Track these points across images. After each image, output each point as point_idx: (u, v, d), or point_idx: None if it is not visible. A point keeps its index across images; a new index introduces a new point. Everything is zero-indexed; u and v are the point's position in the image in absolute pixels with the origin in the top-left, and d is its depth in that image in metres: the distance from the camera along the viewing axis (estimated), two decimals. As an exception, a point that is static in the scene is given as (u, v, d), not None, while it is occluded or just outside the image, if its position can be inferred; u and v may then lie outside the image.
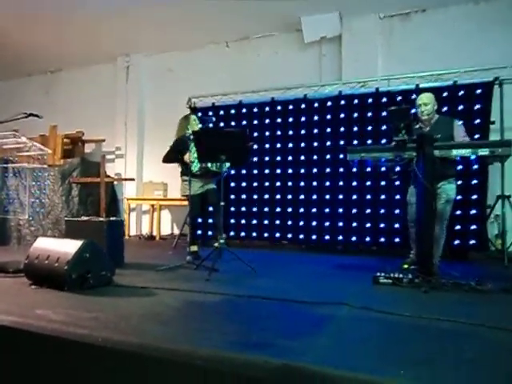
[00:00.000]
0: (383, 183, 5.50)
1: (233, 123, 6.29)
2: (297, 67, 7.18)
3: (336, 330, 2.25)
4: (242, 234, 6.24)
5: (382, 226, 5.49)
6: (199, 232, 6.00)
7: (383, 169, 5.06)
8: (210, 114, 6.43)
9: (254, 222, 6.13)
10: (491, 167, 5.09)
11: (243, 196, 6.24)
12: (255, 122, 6.24)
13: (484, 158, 4.05)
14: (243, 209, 6.23)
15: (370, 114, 5.62)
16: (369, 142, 5.58)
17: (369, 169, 5.55)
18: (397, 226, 5.41)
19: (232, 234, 6.24)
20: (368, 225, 5.55)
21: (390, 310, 2.57)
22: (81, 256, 3.19)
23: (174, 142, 4.84)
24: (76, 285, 3.14)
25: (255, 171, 6.18)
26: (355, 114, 5.69)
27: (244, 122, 6.27)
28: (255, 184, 6.16)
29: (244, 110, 6.33)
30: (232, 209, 6.25)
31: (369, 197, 5.57)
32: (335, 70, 6.98)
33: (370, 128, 5.61)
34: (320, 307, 2.67)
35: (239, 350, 1.82)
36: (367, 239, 5.56)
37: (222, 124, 6.37)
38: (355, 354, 1.86)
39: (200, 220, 5.98)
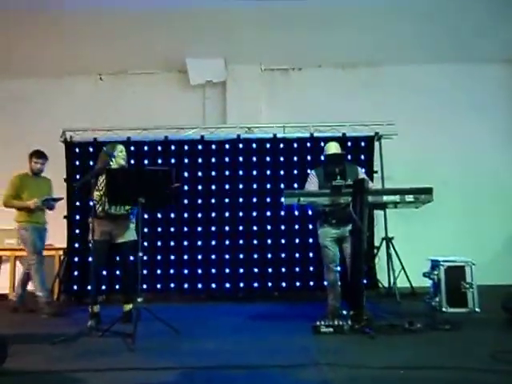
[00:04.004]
0: (283, 227, 5.53)
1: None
2: (179, 108, 6.90)
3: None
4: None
5: (283, 270, 5.47)
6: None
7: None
8: (91, 150, 5.65)
9: (145, 272, 5.44)
10: (375, 212, 5.58)
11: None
12: (146, 161, 5.70)
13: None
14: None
15: (268, 159, 5.68)
16: (268, 186, 5.60)
17: (269, 213, 5.54)
18: (297, 269, 5.45)
19: (117, 287, 5.42)
20: (269, 270, 5.47)
21: (369, 364, 2.45)
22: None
23: (89, 174, 3.94)
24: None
25: (145, 216, 5.55)
26: (254, 158, 5.68)
27: (132, 161, 5.66)
28: (146, 230, 5.52)
29: (132, 148, 5.73)
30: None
31: (269, 241, 5.51)
32: (219, 113, 6.98)
33: (268, 172, 5.64)
34: (300, 371, 2.40)
35: None
36: (269, 284, 5.46)
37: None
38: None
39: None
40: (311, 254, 5.44)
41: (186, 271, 5.51)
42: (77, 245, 5.59)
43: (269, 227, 5.54)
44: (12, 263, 6.21)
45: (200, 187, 5.66)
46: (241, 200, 5.60)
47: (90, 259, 4.71)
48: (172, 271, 5.53)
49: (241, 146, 5.73)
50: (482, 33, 6.00)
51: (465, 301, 4.32)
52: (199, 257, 5.52)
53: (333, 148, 4.12)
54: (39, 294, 4.61)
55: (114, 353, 2.93)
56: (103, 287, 5.30)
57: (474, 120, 6.56)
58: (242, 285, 5.47)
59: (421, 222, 5.70)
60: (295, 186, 5.42)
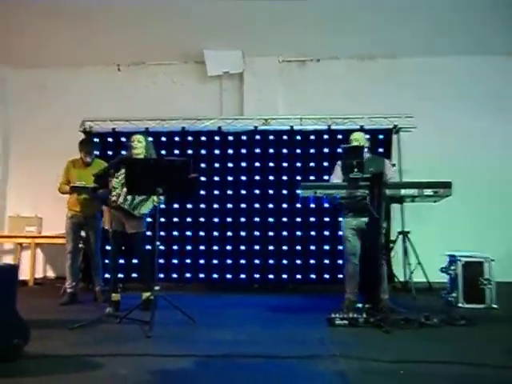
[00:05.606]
0: (299, 219, 5.52)
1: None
2: (196, 99, 6.91)
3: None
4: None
5: (298, 262, 5.47)
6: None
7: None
8: (110, 140, 5.73)
9: (161, 261, 5.51)
10: (392, 206, 5.52)
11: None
12: (163, 151, 5.73)
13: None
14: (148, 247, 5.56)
15: (285, 151, 5.67)
16: (284, 178, 5.60)
17: (285, 205, 5.54)
18: (312, 262, 5.45)
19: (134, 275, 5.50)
20: (285, 262, 5.48)
21: (382, 358, 2.45)
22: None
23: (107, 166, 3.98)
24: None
25: (162, 206, 5.61)
26: (271, 150, 5.68)
27: (150, 152, 5.70)
28: (162, 220, 5.58)
29: (150, 138, 5.76)
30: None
31: (285, 233, 5.52)
32: (236, 104, 6.94)
33: (285, 164, 5.63)
34: (315, 362, 2.40)
35: None
36: (284, 276, 5.47)
37: (123, 152, 5.68)
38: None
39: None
40: (327, 247, 5.43)
41: (201, 261, 5.57)
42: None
43: (284, 219, 5.55)
44: (32, 250, 6.37)
45: (217, 178, 5.69)
46: (257, 191, 5.61)
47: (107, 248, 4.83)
48: (188, 261, 5.59)
49: (258, 137, 5.74)
50: (499, 24, 5.84)
51: (482, 297, 4.28)
52: (215, 247, 5.56)
53: (355, 138, 4.08)
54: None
55: (131, 339, 2.98)
56: (120, 275, 5.38)
57: (492, 112, 6.37)
58: (257, 276, 5.50)
59: (438, 217, 5.61)
60: (311, 178, 5.42)
